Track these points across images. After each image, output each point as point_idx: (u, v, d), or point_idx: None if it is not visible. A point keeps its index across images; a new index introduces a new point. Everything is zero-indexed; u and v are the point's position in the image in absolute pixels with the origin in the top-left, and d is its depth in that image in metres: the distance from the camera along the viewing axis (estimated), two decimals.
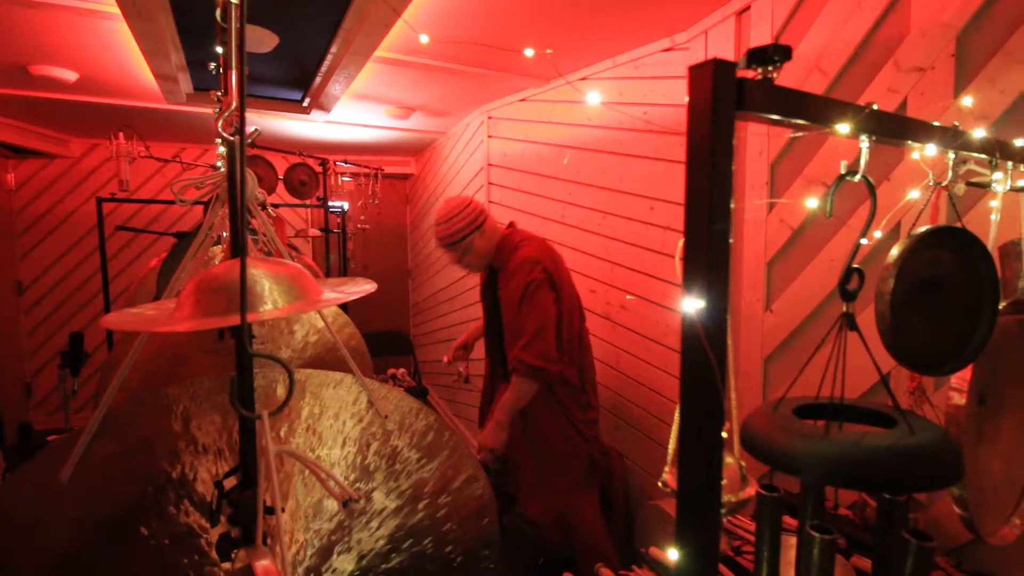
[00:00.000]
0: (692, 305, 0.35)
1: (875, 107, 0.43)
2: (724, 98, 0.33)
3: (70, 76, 2.48)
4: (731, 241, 0.40)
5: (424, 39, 1.68)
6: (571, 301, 2.00)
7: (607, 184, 2.43)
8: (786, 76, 1.65)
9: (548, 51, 1.66)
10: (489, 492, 1.29)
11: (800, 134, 1.54)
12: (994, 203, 0.77)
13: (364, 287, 0.69)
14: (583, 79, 2.48)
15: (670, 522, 2.08)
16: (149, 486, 1.00)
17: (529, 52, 1.63)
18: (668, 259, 2.13)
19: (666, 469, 0.55)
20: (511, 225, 2.05)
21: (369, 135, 3.94)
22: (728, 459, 0.61)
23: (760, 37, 1.72)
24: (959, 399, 0.66)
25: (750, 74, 0.37)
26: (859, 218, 1.46)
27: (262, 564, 0.52)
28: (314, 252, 4.49)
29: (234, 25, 0.61)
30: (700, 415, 0.35)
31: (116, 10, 1.74)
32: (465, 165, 3.72)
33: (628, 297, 2.26)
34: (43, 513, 0.96)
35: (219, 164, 1.35)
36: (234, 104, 0.63)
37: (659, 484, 0.63)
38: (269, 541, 1.07)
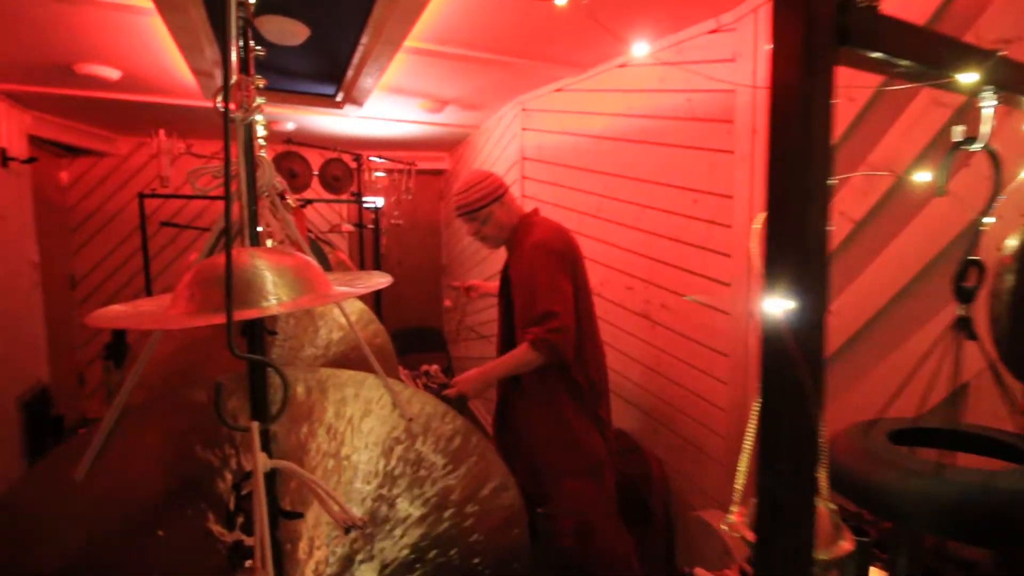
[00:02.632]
0: (778, 306, 0.27)
1: (1003, 54, 0.33)
2: (821, 30, 0.24)
3: (113, 74, 2.53)
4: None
5: None
6: (586, 300, 1.87)
7: (647, 176, 2.31)
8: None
9: None
10: (519, 501, 1.21)
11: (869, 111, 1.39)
12: None
13: (378, 281, 0.63)
14: (621, 66, 2.36)
15: (715, 536, 1.95)
16: (167, 486, 0.97)
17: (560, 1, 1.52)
18: (712, 255, 2.00)
19: (733, 508, 0.46)
20: (535, 211, 1.97)
21: (402, 130, 3.92)
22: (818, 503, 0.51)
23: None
24: None
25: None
26: (937, 209, 1.31)
27: None
28: (349, 248, 4.51)
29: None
30: (788, 451, 0.27)
31: (150, 4, 1.74)
32: (499, 159, 3.65)
33: (687, 298, 2.13)
34: (57, 512, 0.94)
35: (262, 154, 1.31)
36: (233, 78, 0.56)
37: (722, 527, 0.54)
38: (289, 546, 1.02)
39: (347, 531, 0.59)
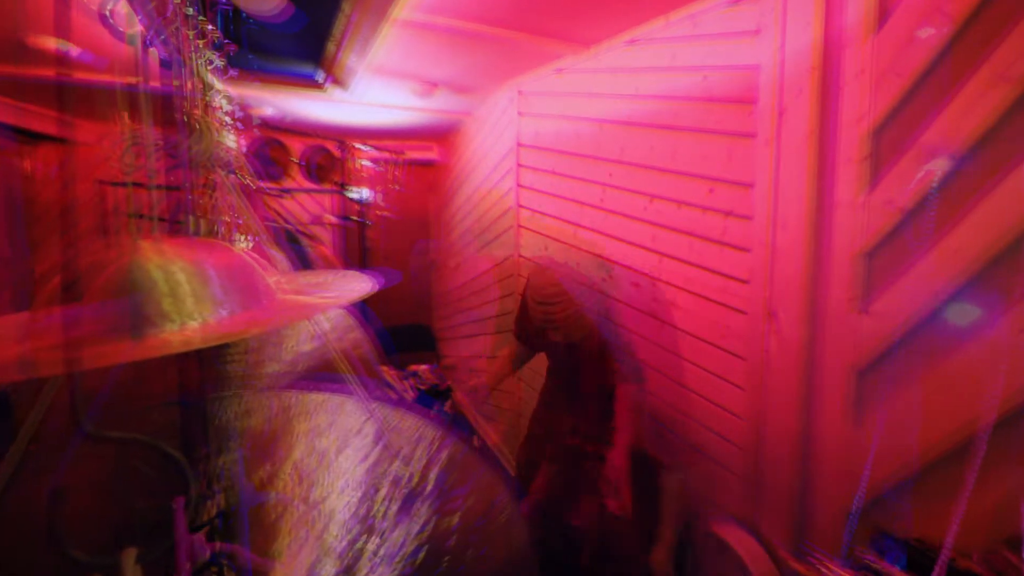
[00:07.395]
0: None
1: None
2: None
3: (65, 47, 2.29)
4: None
5: None
6: None
7: (656, 163, 2.13)
8: (892, 25, 1.33)
9: None
10: (528, 540, 1.03)
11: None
12: None
13: (353, 288, 0.43)
14: (631, 42, 2.18)
15: (731, 553, 1.79)
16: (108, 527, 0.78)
17: None
18: (729, 250, 1.82)
19: None
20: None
21: (390, 118, 3.69)
22: None
23: None
24: None
25: None
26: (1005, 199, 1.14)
27: None
28: (332, 241, 4.29)
29: None
30: None
31: None
32: (493, 147, 3.45)
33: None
34: None
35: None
36: None
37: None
38: None
39: None
